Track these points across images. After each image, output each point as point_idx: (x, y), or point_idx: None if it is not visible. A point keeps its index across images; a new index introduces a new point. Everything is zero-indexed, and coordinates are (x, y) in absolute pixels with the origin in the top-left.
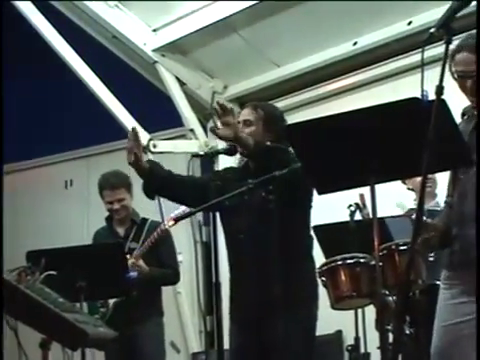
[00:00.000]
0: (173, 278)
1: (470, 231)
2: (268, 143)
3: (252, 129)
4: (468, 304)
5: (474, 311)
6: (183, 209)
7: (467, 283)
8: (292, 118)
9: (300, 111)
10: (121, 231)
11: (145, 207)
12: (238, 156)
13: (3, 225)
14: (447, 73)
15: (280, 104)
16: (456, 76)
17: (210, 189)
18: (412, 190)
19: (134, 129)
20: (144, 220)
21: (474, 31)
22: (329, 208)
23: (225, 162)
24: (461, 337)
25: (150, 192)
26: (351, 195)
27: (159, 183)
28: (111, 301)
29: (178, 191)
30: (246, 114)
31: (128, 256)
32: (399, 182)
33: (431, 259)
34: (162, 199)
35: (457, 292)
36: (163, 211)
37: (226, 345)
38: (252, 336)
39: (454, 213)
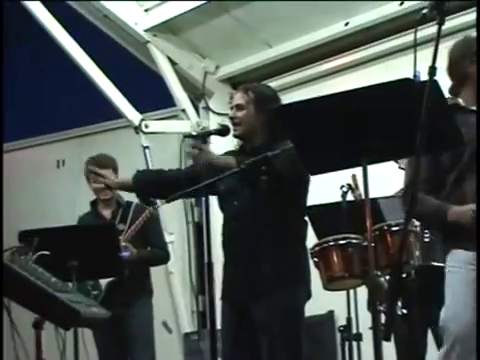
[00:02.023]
0: (164, 258)
1: None
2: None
3: (243, 113)
4: None
5: None
6: None
7: None
8: (284, 98)
9: (292, 91)
10: (107, 214)
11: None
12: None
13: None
14: (440, 54)
15: (271, 84)
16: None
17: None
18: (404, 169)
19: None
20: (129, 203)
21: None
22: (322, 189)
23: (217, 142)
24: None
25: (145, 199)
26: (344, 176)
27: (147, 189)
28: (103, 283)
29: (172, 190)
30: (237, 98)
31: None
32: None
33: (427, 240)
34: None
35: None
36: None
37: (218, 325)
38: (243, 317)
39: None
